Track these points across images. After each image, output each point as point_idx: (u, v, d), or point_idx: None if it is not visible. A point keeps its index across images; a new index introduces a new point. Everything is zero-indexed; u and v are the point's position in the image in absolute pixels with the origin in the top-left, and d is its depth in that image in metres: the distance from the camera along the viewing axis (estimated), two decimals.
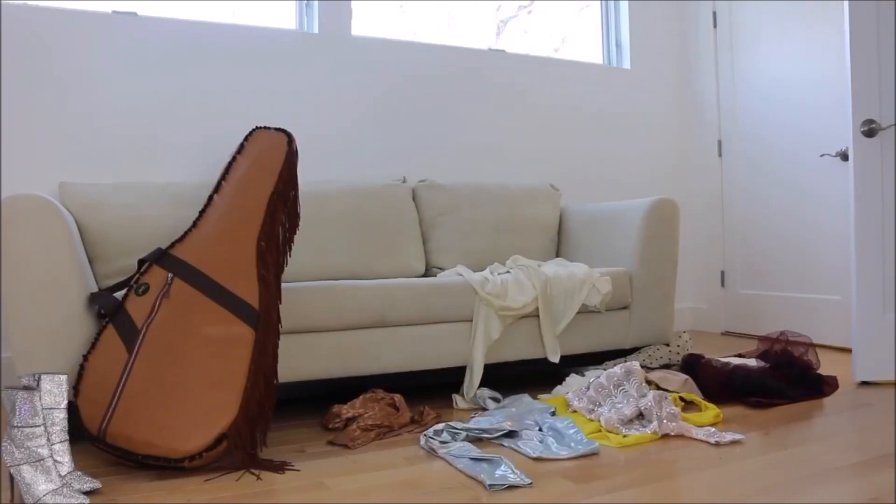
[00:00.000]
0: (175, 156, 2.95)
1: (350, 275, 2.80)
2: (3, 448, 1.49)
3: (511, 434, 1.97)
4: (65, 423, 1.59)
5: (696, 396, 2.28)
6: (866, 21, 2.57)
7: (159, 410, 1.76)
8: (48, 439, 1.53)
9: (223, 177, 2.25)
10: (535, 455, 1.80)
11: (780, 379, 2.38)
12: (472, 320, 2.47)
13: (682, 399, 2.24)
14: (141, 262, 2.11)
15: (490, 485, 1.58)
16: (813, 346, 2.58)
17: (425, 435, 1.97)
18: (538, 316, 2.54)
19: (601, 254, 3.00)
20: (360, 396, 2.20)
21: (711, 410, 2.14)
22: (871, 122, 2.56)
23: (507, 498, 1.53)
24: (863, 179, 2.57)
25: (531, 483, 1.60)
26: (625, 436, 1.94)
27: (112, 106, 2.85)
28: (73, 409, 1.84)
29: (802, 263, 3.58)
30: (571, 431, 1.95)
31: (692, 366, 2.61)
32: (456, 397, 2.43)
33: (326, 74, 3.25)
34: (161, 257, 2.08)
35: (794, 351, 2.56)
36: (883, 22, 2.57)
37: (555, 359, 2.54)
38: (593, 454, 1.82)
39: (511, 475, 1.63)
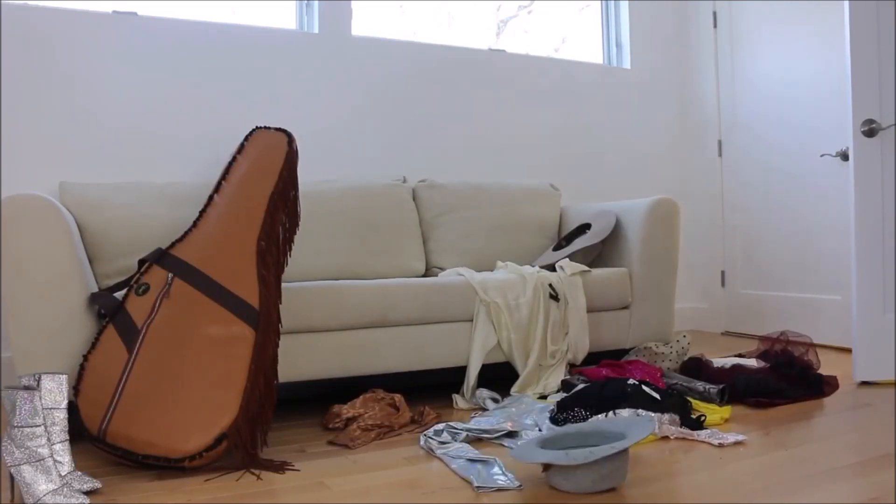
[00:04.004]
0: (175, 156, 2.95)
1: (350, 275, 2.80)
2: (3, 448, 1.49)
3: (511, 434, 1.97)
4: (65, 423, 1.59)
5: (696, 400, 2.28)
6: (866, 21, 2.57)
7: (159, 410, 1.76)
8: (48, 439, 1.53)
9: (223, 176, 2.25)
10: None
11: (780, 379, 2.38)
12: (472, 320, 2.47)
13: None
14: (141, 262, 2.11)
15: (477, 486, 1.58)
16: (813, 346, 2.58)
17: (425, 435, 1.97)
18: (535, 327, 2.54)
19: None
20: (361, 396, 2.20)
21: (717, 413, 2.13)
22: (871, 122, 2.56)
23: (499, 498, 1.53)
24: (863, 179, 2.57)
25: (520, 486, 1.59)
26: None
27: (112, 106, 2.85)
28: (73, 408, 1.84)
29: (803, 263, 3.58)
30: None
31: (693, 368, 2.62)
32: (456, 397, 2.43)
33: (326, 74, 3.25)
34: (161, 257, 2.08)
35: (794, 351, 2.56)
36: (883, 22, 2.57)
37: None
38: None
39: (502, 477, 1.63)
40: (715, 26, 4.06)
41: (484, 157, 3.60)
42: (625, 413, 2.01)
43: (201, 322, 1.91)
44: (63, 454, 1.58)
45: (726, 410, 2.16)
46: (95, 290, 2.17)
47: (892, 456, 1.73)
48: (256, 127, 2.38)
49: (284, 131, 2.32)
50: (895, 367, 2.57)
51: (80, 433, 1.82)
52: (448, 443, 1.91)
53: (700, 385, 2.30)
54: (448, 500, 1.52)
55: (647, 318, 2.79)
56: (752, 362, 2.58)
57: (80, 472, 1.60)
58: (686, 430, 1.98)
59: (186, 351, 1.86)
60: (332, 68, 3.26)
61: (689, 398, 2.21)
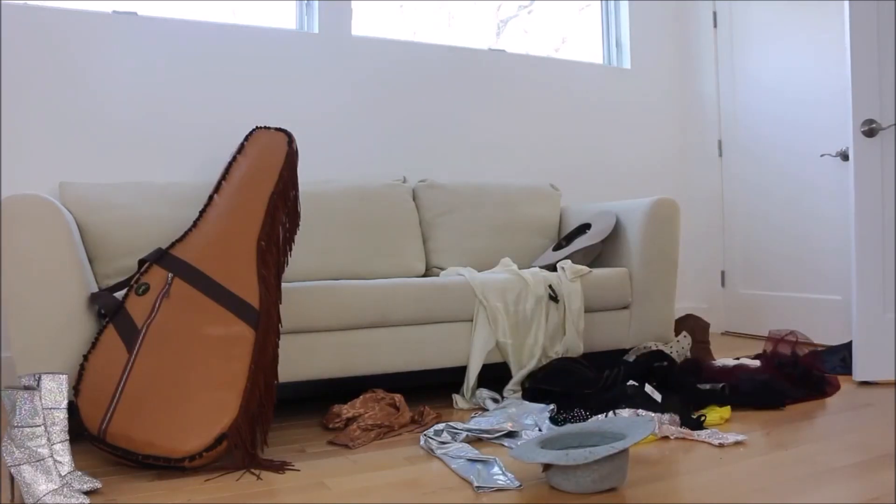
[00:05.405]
0: (175, 156, 2.95)
1: (351, 275, 2.80)
2: (3, 448, 1.49)
3: (511, 434, 1.97)
4: (65, 423, 1.59)
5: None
6: (866, 21, 2.57)
7: (159, 410, 1.76)
8: (48, 439, 1.53)
9: (223, 177, 2.25)
10: None
11: (782, 379, 2.38)
12: (471, 320, 2.48)
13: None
14: (141, 262, 2.11)
15: (477, 486, 1.58)
16: (818, 352, 2.57)
17: (425, 435, 1.97)
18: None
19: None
20: (361, 396, 2.20)
21: (717, 413, 2.13)
22: (871, 122, 2.56)
23: (499, 498, 1.53)
24: (863, 179, 2.57)
25: (520, 486, 1.59)
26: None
27: (112, 106, 2.85)
28: (73, 408, 1.84)
29: (803, 263, 3.58)
30: None
31: (693, 368, 2.61)
32: (456, 397, 2.43)
33: (326, 74, 3.25)
34: (161, 257, 2.08)
35: (798, 351, 2.56)
36: (883, 22, 2.57)
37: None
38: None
39: (502, 477, 1.63)
40: (715, 26, 4.06)
41: (484, 157, 3.60)
42: (625, 413, 2.01)
43: (201, 322, 1.91)
44: (63, 454, 1.58)
45: (726, 410, 2.16)
46: (95, 290, 2.17)
47: (892, 456, 1.73)
48: (256, 127, 2.38)
49: (284, 131, 2.32)
50: (895, 367, 2.57)
51: (80, 433, 1.82)
52: (448, 443, 1.91)
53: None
54: (448, 500, 1.52)
55: (647, 318, 2.79)
56: (754, 362, 2.58)
57: (80, 472, 1.60)
58: (686, 430, 1.98)
59: (186, 351, 1.86)
60: (332, 68, 3.26)
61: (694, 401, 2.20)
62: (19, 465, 1.48)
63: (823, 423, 2.07)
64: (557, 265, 2.72)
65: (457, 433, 1.97)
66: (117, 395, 1.80)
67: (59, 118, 2.76)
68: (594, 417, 2.04)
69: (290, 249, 2.19)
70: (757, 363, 2.60)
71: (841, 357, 2.88)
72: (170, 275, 2.03)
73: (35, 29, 2.72)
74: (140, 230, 2.48)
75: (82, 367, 1.87)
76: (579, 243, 2.88)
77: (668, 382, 2.28)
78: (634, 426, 1.66)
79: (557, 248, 3.05)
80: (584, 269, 2.67)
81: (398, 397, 2.22)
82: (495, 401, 2.38)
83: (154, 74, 2.92)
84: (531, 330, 2.52)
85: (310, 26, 3.30)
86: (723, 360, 2.73)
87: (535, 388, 2.33)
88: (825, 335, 3.43)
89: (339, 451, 1.92)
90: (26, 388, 1.55)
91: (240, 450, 1.76)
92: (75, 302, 1.98)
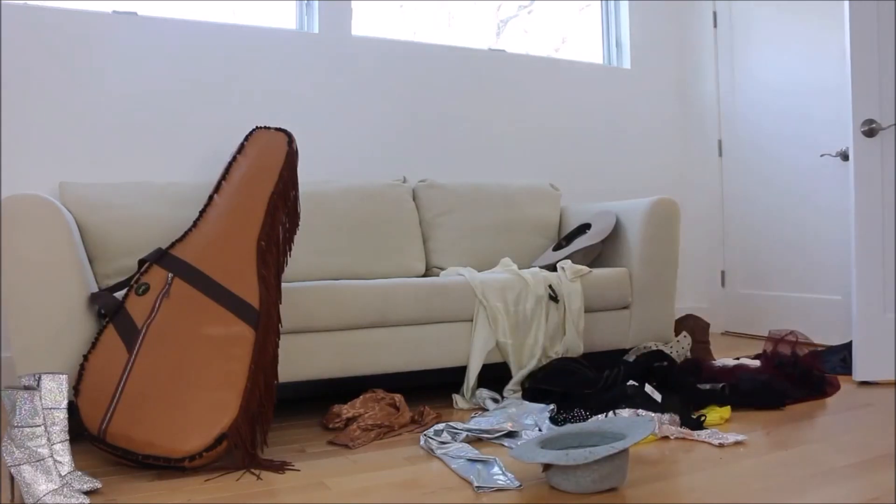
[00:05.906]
0: (175, 156, 2.95)
1: (350, 275, 2.80)
2: (3, 448, 1.49)
3: (511, 434, 1.97)
4: (65, 423, 1.59)
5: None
6: (866, 21, 2.57)
7: (159, 410, 1.76)
8: (48, 439, 1.53)
9: (223, 176, 2.25)
10: None
11: (783, 379, 2.38)
12: (471, 320, 2.48)
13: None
14: (141, 262, 2.11)
15: (477, 486, 1.58)
16: (818, 353, 2.57)
17: (425, 435, 1.97)
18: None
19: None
20: (361, 396, 2.20)
21: (717, 413, 2.13)
22: (871, 122, 2.56)
23: (499, 498, 1.53)
24: (863, 179, 2.57)
25: (520, 486, 1.59)
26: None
27: (112, 106, 2.85)
28: (73, 408, 1.84)
29: (802, 263, 3.58)
30: None
31: (693, 368, 2.61)
32: (456, 397, 2.43)
33: (326, 74, 3.25)
34: (161, 257, 2.08)
35: (798, 351, 2.56)
36: (883, 22, 2.57)
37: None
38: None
39: (502, 477, 1.63)
40: (715, 26, 4.06)
41: (484, 157, 3.60)
42: (625, 413, 2.01)
43: (201, 322, 1.91)
44: (63, 454, 1.58)
45: (726, 410, 2.16)
46: (95, 290, 2.17)
47: (892, 456, 1.73)
48: (256, 127, 2.38)
49: (284, 131, 2.32)
50: (895, 367, 2.57)
51: (80, 433, 1.81)
52: (448, 443, 1.91)
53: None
54: (448, 500, 1.52)
55: (647, 318, 2.79)
56: (754, 362, 2.58)
57: (80, 472, 1.60)
58: (686, 430, 1.98)
59: (186, 351, 1.86)
60: (332, 68, 3.26)
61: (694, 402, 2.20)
62: (19, 465, 1.48)
63: (823, 423, 2.07)
64: (557, 265, 2.72)
65: (457, 433, 1.97)
66: (117, 395, 1.80)
67: (59, 118, 2.76)
68: (594, 417, 2.03)
69: (290, 249, 2.19)
70: (757, 363, 2.60)
71: (841, 357, 2.88)
72: (170, 275, 2.03)
73: (35, 29, 2.72)
74: (140, 230, 2.48)
75: (82, 367, 1.87)
76: (579, 243, 2.88)
77: (668, 382, 2.28)
78: (634, 426, 1.66)
79: (557, 248, 3.05)
80: (584, 269, 2.67)
81: (398, 397, 2.22)
82: (495, 401, 2.38)
83: (154, 74, 2.92)
84: (531, 330, 2.52)
85: (310, 26, 3.30)
86: (723, 360, 2.74)
87: (535, 388, 2.34)
88: (825, 335, 3.43)
89: (339, 451, 1.92)
90: (26, 388, 1.55)
91: (240, 450, 1.76)
92: (75, 302, 1.98)
